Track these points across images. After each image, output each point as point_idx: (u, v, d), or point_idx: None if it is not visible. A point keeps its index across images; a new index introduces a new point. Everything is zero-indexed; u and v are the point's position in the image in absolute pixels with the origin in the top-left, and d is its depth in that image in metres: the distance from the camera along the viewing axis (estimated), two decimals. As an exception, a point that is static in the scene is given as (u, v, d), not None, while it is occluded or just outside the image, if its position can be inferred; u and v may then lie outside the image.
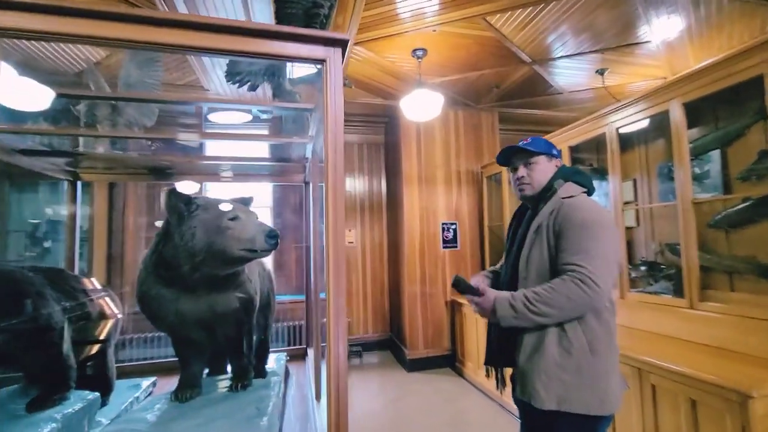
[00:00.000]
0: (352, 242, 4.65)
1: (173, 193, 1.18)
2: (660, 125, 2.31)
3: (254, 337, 1.77)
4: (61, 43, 2.73)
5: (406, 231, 3.98)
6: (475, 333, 3.44)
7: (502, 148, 1.35)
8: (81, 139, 2.52)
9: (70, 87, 2.56)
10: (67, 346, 1.56)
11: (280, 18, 2.02)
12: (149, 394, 1.80)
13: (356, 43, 2.87)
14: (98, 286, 1.81)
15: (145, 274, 1.35)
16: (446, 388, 3.52)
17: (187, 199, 1.21)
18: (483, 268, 4.08)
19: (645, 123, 2.36)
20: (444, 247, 4.07)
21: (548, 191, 1.25)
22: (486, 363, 1.37)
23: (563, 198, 1.20)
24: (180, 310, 1.41)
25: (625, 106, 2.36)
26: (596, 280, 1.07)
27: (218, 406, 1.40)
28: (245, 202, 1.46)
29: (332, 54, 0.97)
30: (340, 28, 2.63)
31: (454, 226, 4.12)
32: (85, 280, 1.74)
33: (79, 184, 2.53)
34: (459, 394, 3.37)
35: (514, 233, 1.36)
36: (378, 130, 4.81)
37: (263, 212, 4.92)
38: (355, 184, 4.74)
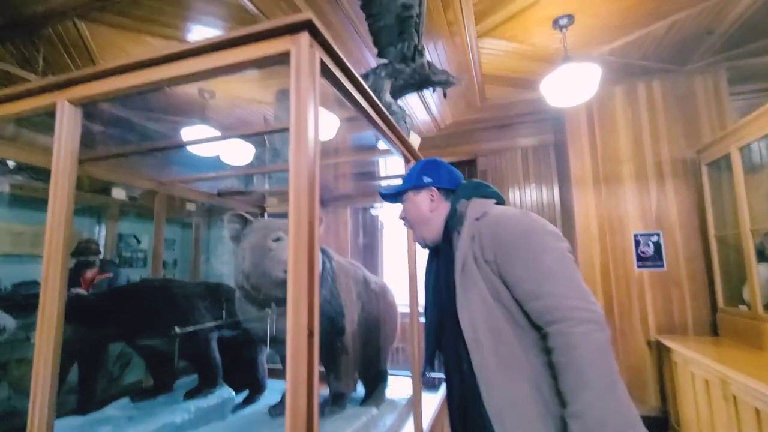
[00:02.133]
0: (519, 260, 4.08)
1: (232, 216, 1.27)
2: None
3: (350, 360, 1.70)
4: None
5: (580, 247, 3.16)
6: (692, 390, 2.33)
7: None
8: (255, 179, 3.15)
9: (253, 140, 3.28)
10: (213, 350, 1.88)
11: (373, 33, 1.99)
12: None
13: (480, 36, 2.55)
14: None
15: (237, 294, 1.51)
16: (653, 467, 2.49)
17: (244, 222, 1.27)
18: (712, 296, 2.77)
19: None
20: (640, 267, 3.00)
21: (452, 220, 0.98)
22: None
23: (477, 219, 0.93)
24: (266, 328, 1.49)
25: None
26: (589, 313, 0.76)
27: None
28: (313, 222, 1.44)
29: (298, 42, 0.82)
30: (454, 25, 2.39)
31: (655, 238, 3.00)
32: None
33: (266, 215, 3.16)
34: (673, 481, 2.32)
35: (433, 288, 1.04)
36: (544, 128, 4.12)
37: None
38: (523, 195, 4.16)
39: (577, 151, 3.29)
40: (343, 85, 0.97)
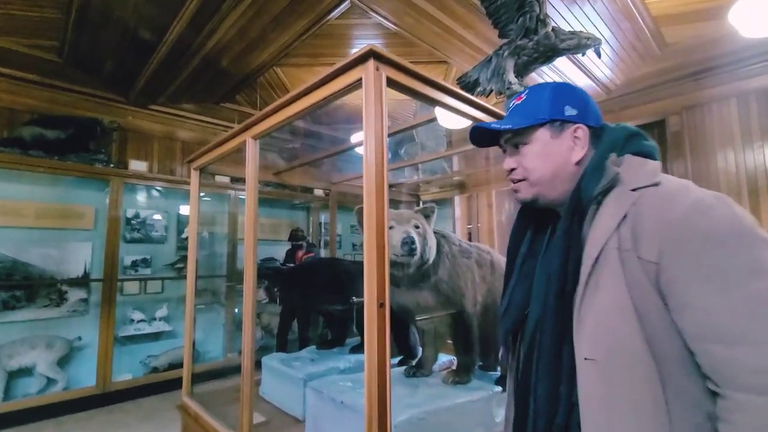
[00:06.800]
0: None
1: (357, 209, 1.56)
2: None
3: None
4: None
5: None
6: None
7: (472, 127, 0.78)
8: (405, 171, 3.52)
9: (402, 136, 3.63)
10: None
11: (492, 15, 1.97)
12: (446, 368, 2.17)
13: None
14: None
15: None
16: None
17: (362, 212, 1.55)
18: None
19: None
20: None
21: (591, 179, 0.65)
22: None
23: (635, 189, 0.61)
24: (399, 303, 1.76)
25: None
26: None
27: (416, 391, 1.59)
28: (426, 212, 1.61)
29: (367, 68, 1.02)
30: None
31: None
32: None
33: (421, 203, 3.60)
34: None
35: (524, 263, 0.77)
36: (777, 63, 2.96)
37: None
38: (743, 160, 3.12)
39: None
40: (412, 88, 1.12)
